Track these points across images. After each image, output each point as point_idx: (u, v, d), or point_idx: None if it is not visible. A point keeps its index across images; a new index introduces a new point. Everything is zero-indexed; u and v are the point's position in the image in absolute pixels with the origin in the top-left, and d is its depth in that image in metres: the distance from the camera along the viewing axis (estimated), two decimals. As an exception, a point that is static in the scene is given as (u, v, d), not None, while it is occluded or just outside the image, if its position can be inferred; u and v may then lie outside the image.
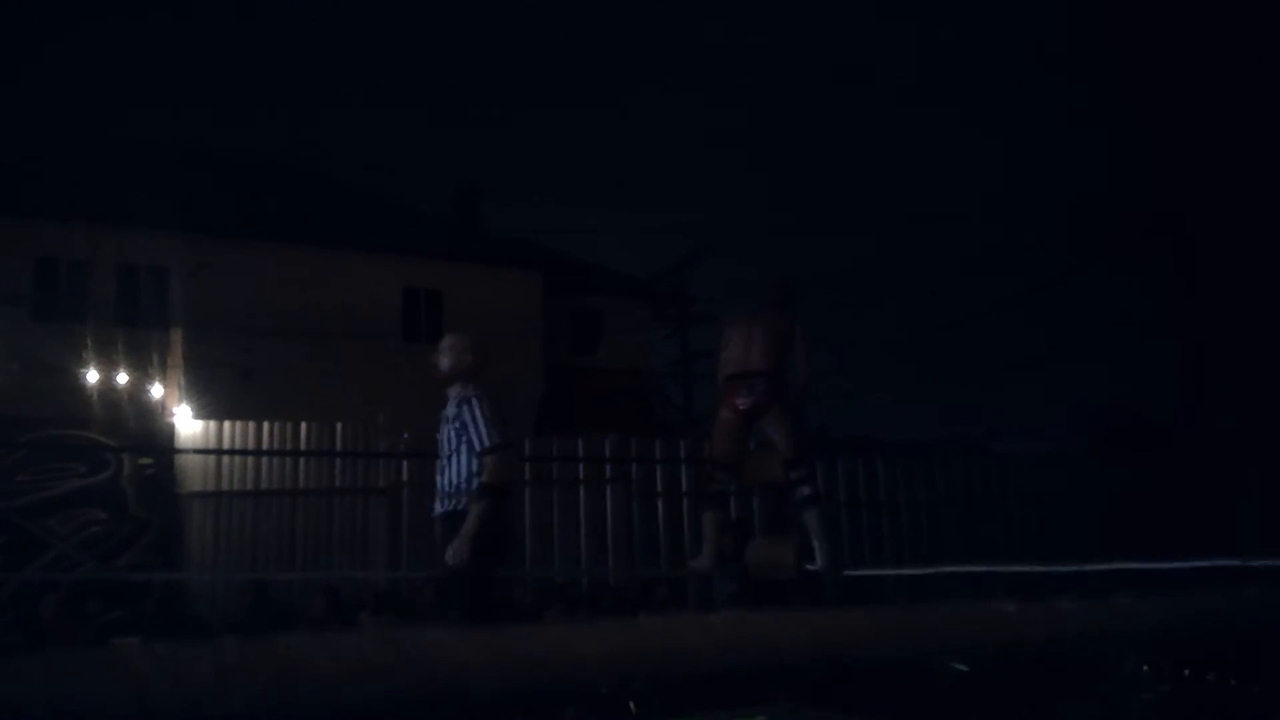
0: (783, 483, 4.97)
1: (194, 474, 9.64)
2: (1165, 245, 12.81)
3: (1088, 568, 4.15)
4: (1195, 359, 12.26)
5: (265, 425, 9.90)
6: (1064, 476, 12.25)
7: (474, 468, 4.09)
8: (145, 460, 9.46)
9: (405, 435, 9.98)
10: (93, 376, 10.30)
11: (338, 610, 7.58)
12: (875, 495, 11.46)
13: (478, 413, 4.13)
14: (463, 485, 4.08)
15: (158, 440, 9.67)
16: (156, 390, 10.05)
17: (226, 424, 9.86)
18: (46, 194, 14.31)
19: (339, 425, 10.22)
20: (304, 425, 10.04)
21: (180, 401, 10.00)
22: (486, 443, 4.08)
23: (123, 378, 10.22)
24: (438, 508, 4.21)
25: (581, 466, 10.62)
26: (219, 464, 9.70)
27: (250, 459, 9.74)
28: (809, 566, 4.84)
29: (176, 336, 12.33)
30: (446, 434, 4.18)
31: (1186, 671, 4.72)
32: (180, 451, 9.33)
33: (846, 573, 5.88)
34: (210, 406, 10.39)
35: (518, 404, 16.07)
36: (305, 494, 9.83)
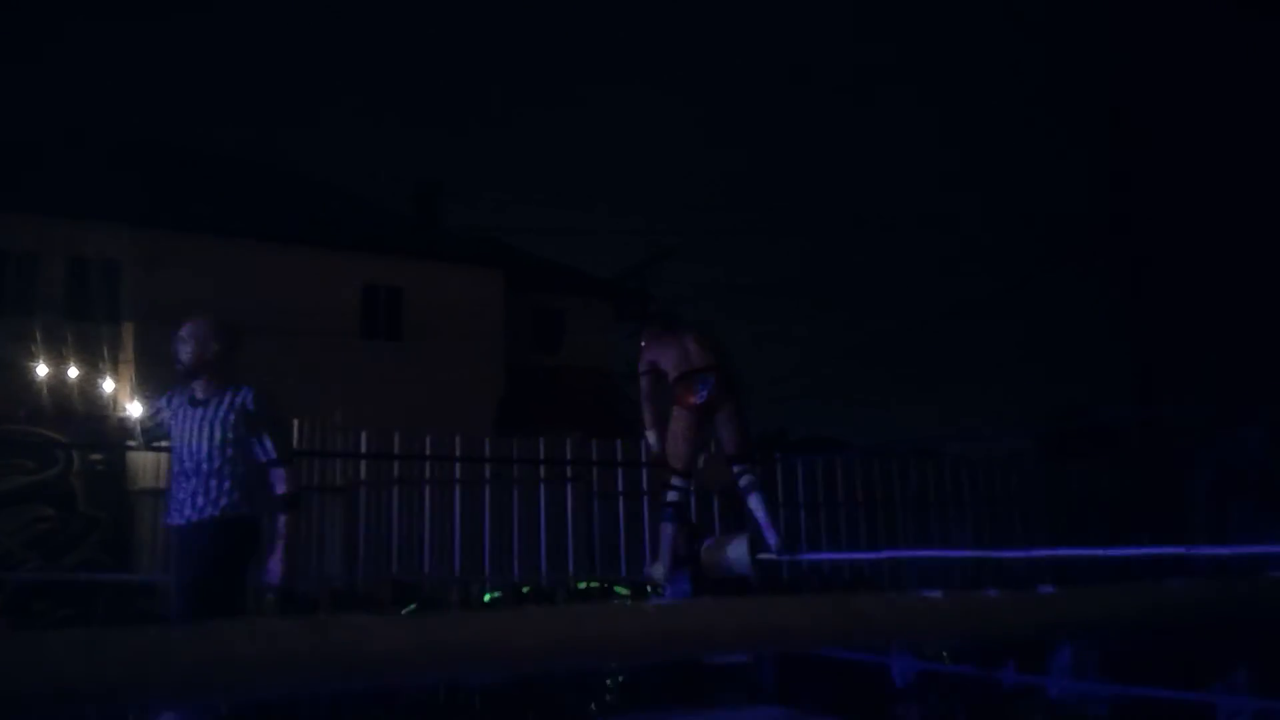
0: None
1: (146, 471, 9.47)
2: (1117, 248, 13.06)
3: (1033, 553, 4.23)
4: (1145, 357, 12.51)
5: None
6: (1017, 477, 12.44)
7: (242, 472, 3.68)
8: (95, 456, 9.29)
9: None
10: (42, 371, 10.09)
11: (293, 610, 7.49)
12: (833, 496, 11.54)
13: (272, 416, 3.78)
14: (230, 491, 3.65)
15: (108, 436, 9.50)
16: (107, 385, 9.87)
17: (180, 420, 9.70)
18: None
19: (295, 422, 10.09)
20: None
21: (132, 397, 9.83)
22: (284, 452, 3.75)
23: (73, 372, 10.03)
24: (182, 516, 3.70)
25: (542, 467, 10.59)
26: (171, 460, 9.54)
27: (204, 456, 9.60)
28: (762, 556, 4.89)
29: (128, 331, 12.13)
30: (203, 431, 3.69)
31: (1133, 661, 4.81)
32: (131, 448, 9.17)
33: (802, 556, 5.99)
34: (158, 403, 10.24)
35: (478, 402, 16.00)
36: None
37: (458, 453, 10.26)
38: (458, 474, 10.23)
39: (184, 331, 3.84)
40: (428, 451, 10.23)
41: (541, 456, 10.60)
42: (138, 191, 14.93)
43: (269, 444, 3.73)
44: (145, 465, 9.47)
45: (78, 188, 14.06)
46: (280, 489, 3.74)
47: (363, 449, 10.00)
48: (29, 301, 13.65)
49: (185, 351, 3.80)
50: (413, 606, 8.19)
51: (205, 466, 3.67)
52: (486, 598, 9.44)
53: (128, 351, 11.51)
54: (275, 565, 3.72)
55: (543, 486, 10.47)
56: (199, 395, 3.80)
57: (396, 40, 62.54)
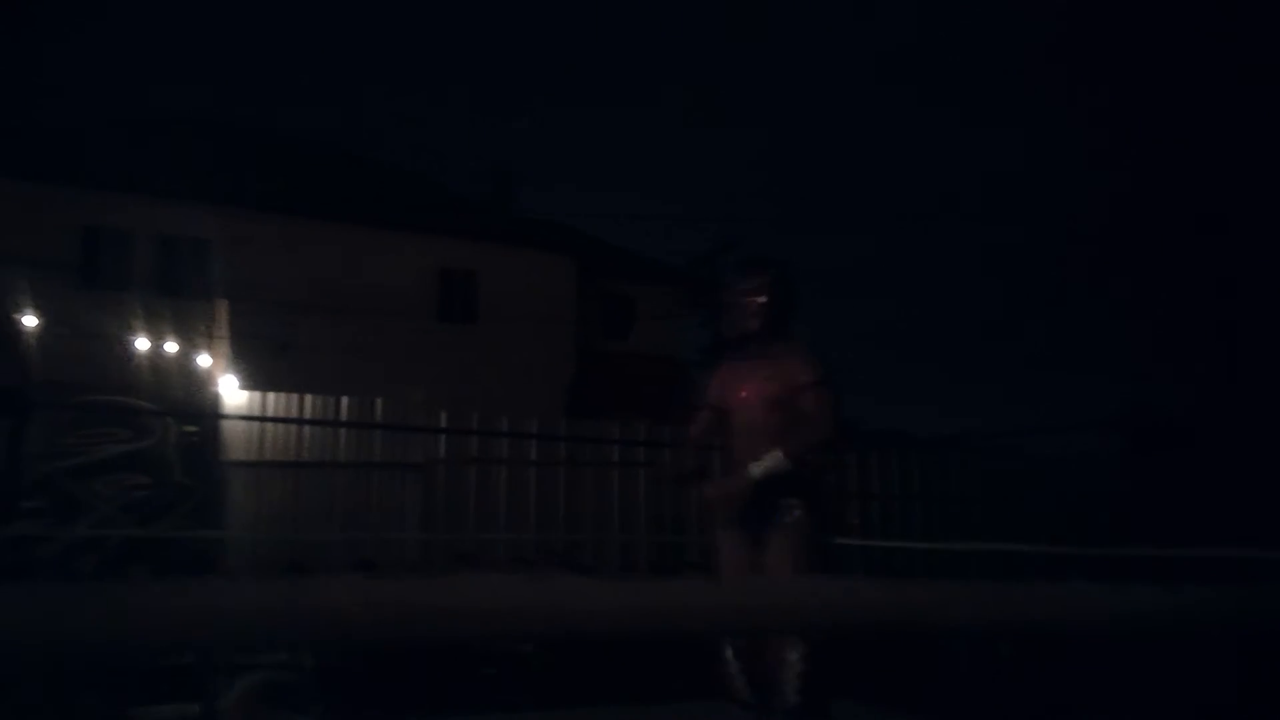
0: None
1: (236, 443, 9.83)
2: (1202, 240, 12.75)
3: (1106, 551, 4.22)
4: (1229, 355, 12.22)
5: (306, 398, 10.09)
6: (1089, 474, 12.27)
7: None
8: (190, 427, 9.66)
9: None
10: (141, 344, 10.51)
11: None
12: (909, 488, 11.54)
13: None
14: None
15: (203, 408, 9.87)
16: (203, 359, 10.25)
17: (270, 395, 10.06)
18: (91, 164, 14.57)
19: (378, 400, 10.40)
20: (343, 399, 10.22)
21: (225, 371, 10.21)
22: None
23: (168, 346, 10.42)
24: None
25: (617, 450, 10.75)
26: (261, 434, 9.89)
27: (292, 430, 9.93)
28: None
29: (220, 307, 12.59)
30: None
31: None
32: (226, 417, 9.53)
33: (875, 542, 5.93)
34: (246, 378, 10.58)
35: (549, 386, 16.22)
36: (343, 467, 10.01)
37: (535, 432, 10.48)
38: (534, 455, 10.44)
39: None
40: (505, 430, 10.46)
41: (617, 439, 10.76)
42: (225, 174, 15.41)
43: None
44: (237, 439, 9.84)
45: (168, 169, 14.57)
46: None
47: (442, 426, 10.26)
48: (123, 277, 14.21)
49: None
50: None
51: None
52: None
53: (220, 327, 11.94)
54: None
55: (617, 470, 10.63)
56: None
57: (479, 28, 63.16)
